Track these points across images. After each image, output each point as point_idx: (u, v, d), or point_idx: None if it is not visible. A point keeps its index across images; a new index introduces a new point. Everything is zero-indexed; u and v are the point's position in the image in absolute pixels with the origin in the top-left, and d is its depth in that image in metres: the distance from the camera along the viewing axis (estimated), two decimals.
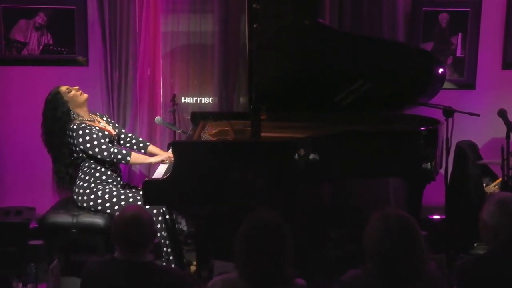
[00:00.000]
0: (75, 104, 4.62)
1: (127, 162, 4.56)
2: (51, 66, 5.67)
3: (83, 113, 4.65)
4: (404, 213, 2.70)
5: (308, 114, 4.99)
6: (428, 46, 5.82)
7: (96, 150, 4.47)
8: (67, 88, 4.62)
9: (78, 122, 4.55)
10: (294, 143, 4.06)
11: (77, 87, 4.69)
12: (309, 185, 5.08)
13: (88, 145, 4.47)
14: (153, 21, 5.62)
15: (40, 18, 5.62)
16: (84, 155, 4.58)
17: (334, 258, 4.99)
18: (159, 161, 4.64)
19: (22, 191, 5.74)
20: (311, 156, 4.04)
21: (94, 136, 4.49)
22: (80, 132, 4.47)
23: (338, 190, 5.72)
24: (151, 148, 4.96)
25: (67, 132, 4.55)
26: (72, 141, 4.53)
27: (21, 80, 5.69)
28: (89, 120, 4.64)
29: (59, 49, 5.66)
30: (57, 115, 4.56)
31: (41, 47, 5.66)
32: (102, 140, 4.51)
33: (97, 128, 4.61)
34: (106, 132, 4.65)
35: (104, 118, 4.90)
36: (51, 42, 5.65)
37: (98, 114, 4.89)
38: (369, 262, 2.67)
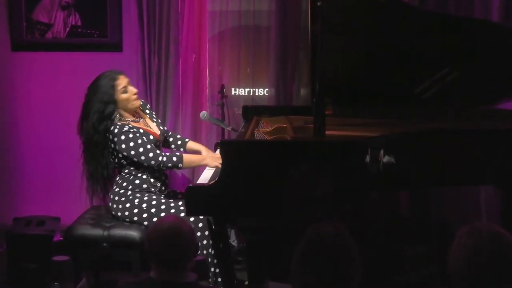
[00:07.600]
0: (123, 107, 4.63)
1: (179, 168, 4.60)
2: (79, 52, 5.75)
3: (127, 114, 4.65)
4: (498, 228, 2.64)
5: (382, 108, 4.94)
6: None
7: (143, 158, 4.48)
8: (124, 87, 4.60)
9: (120, 124, 4.55)
10: (365, 143, 4.01)
11: (136, 90, 4.70)
12: (382, 193, 5.04)
13: (132, 152, 4.47)
14: None
15: None
16: (124, 161, 4.61)
17: (411, 281, 4.95)
18: (216, 164, 4.53)
19: (45, 198, 5.83)
20: (386, 158, 3.99)
21: (139, 141, 4.49)
22: (123, 137, 4.48)
23: (417, 200, 5.68)
24: (191, 144, 4.99)
25: (107, 134, 4.55)
26: (113, 145, 4.55)
27: (45, 67, 5.79)
28: (133, 121, 4.65)
29: (88, 31, 5.73)
30: (105, 112, 4.53)
31: (67, 29, 5.75)
32: (149, 146, 4.50)
33: (142, 131, 4.60)
34: (151, 137, 4.63)
35: (147, 111, 4.88)
36: (79, 23, 5.73)
37: (141, 101, 4.84)
38: (455, 287, 2.62)
